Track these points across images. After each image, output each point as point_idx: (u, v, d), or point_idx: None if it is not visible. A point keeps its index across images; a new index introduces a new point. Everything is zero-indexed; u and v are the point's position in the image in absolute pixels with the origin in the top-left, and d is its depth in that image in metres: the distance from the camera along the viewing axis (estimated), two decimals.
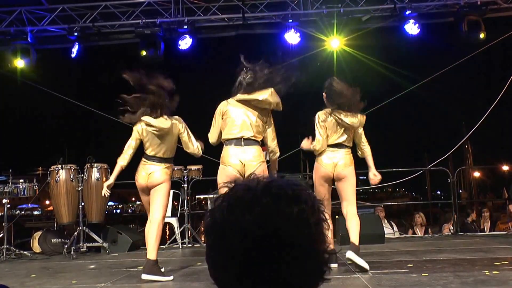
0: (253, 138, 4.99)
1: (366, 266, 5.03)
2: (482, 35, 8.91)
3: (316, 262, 0.95)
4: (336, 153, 5.34)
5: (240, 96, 5.05)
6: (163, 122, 5.19)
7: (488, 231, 9.64)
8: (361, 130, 5.49)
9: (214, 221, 0.96)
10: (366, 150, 5.54)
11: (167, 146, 5.27)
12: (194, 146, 5.40)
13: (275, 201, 0.93)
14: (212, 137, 5.22)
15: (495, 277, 4.53)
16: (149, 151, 5.25)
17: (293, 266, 0.91)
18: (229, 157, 4.95)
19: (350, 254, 5.07)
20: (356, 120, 5.33)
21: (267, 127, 5.16)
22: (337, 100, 5.32)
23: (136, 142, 5.27)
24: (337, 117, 5.30)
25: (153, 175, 5.18)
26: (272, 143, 5.22)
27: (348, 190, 5.37)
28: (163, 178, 5.20)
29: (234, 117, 5.03)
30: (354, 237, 5.22)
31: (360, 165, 5.94)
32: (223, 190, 1.00)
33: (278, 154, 5.33)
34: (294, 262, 0.91)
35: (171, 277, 5.09)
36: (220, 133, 5.12)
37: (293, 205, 0.93)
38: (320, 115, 5.41)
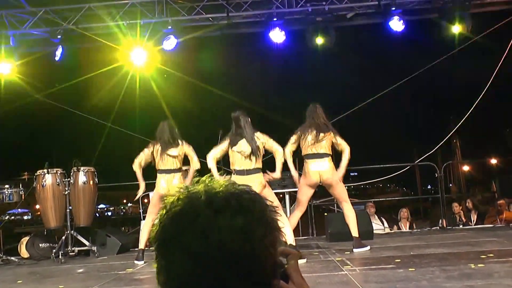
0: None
1: (367, 248, 6.24)
2: (464, 30, 8.95)
3: (262, 276, 0.90)
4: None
5: None
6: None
7: (474, 222, 9.70)
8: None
9: (157, 232, 0.93)
10: None
11: None
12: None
13: (217, 214, 0.88)
14: None
15: (481, 270, 4.56)
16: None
17: (236, 281, 0.87)
18: None
19: (355, 250, 6.17)
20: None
21: None
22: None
23: None
24: None
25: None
26: None
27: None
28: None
29: None
30: (353, 231, 6.26)
31: (351, 162, 6.17)
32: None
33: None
34: (238, 276, 0.87)
35: None
36: None
37: (237, 217, 0.88)
38: None
